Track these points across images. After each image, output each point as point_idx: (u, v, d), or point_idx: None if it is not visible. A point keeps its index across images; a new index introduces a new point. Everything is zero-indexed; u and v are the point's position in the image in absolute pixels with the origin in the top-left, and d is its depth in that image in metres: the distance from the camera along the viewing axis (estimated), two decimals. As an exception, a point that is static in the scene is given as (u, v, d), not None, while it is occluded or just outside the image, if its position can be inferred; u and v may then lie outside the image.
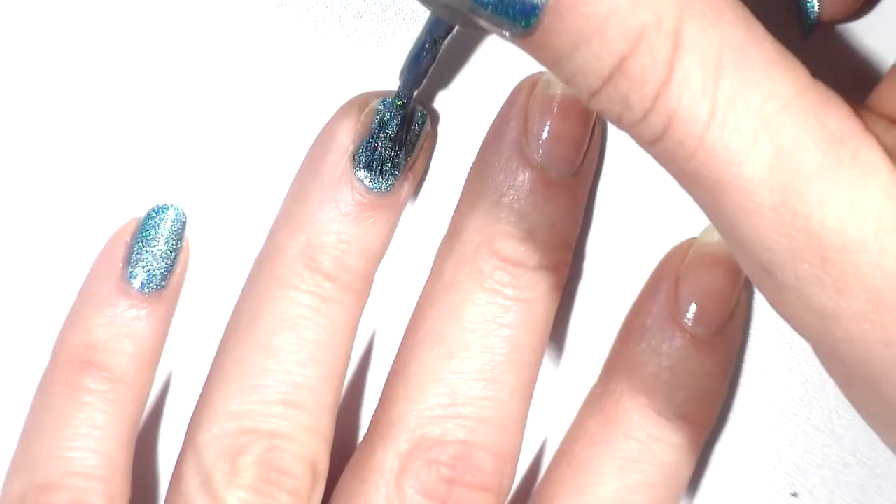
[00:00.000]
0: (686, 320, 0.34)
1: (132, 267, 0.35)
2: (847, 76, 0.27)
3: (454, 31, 0.33)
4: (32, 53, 0.36)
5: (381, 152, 0.34)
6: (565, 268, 0.35)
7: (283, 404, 0.34)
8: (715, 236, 0.35)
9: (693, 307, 0.34)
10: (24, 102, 0.36)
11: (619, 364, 0.35)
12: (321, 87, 0.35)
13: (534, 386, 0.35)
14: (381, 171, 0.34)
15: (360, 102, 0.35)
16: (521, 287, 0.34)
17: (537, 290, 0.34)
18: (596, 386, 0.36)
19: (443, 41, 0.32)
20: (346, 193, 0.34)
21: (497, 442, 0.34)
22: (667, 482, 0.35)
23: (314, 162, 0.35)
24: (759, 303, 0.36)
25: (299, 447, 0.34)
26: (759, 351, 0.36)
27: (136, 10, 0.36)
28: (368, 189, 0.34)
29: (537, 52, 0.27)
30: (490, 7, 0.26)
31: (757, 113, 0.26)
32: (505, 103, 0.35)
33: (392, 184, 0.34)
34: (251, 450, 0.34)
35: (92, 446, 0.34)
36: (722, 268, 0.35)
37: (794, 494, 0.36)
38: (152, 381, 0.36)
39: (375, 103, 0.34)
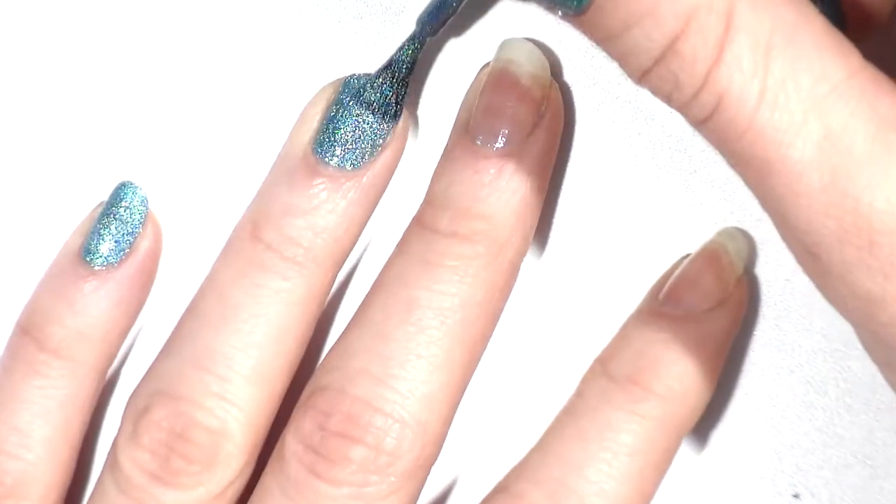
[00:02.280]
0: (658, 297, 0.35)
1: (88, 241, 0.35)
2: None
3: None
4: (18, 51, 0.36)
5: (358, 122, 0.34)
6: (488, 240, 0.33)
7: (194, 368, 0.34)
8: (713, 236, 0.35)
9: (665, 286, 0.35)
10: (11, 101, 0.36)
11: None
12: (320, 86, 0.35)
13: (452, 354, 0.34)
14: (351, 145, 0.34)
15: (334, 86, 0.34)
16: (435, 252, 0.33)
17: (451, 256, 0.33)
18: None
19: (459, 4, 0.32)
20: (300, 167, 0.34)
21: (379, 398, 0.33)
22: (602, 435, 0.34)
23: (284, 143, 0.35)
24: (759, 304, 0.36)
25: (203, 414, 0.33)
26: (760, 352, 0.36)
27: (135, 9, 0.36)
28: (324, 162, 0.34)
29: (588, 30, 0.27)
30: None
31: (807, 94, 0.26)
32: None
33: (356, 161, 0.34)
34: (156, 411, 0.34)
35: (4, 418, 0.34)
36: (701, 258, 0.35)
37: (796, 496, 0.36)
38: (101, 360, 0.35)
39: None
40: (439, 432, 0.34)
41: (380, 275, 0.35)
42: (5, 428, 0.35)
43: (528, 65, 0.34)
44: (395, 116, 0.34)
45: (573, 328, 0.36)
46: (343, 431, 0.33)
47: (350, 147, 0.34)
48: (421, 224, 0.34)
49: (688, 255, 0.35)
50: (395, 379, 0.33)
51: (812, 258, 0.27)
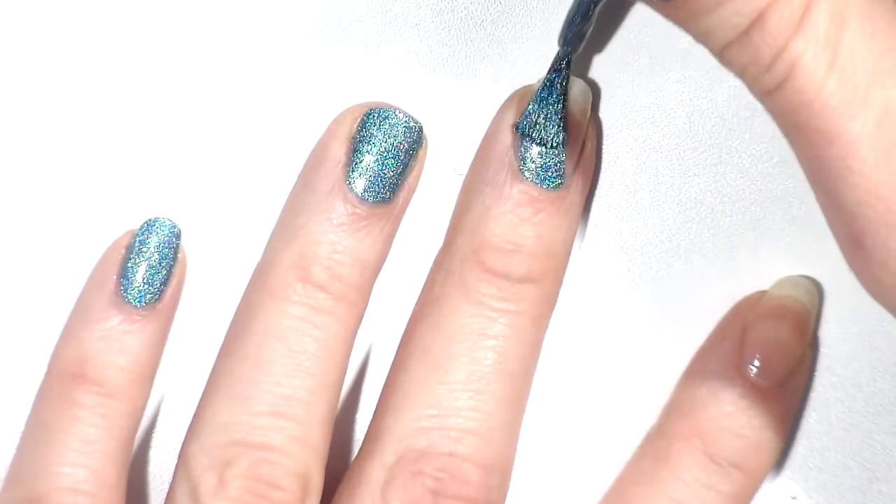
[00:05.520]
0: (749, 369, 0.34)
1: (125, 280, 0.35)
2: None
3: None
4: (32, 60, 0.36)
5: (539, 124, 0.33)
6: (554, 279, 0.35)
7: (272, 416, 0.34)
8: (786, 290, 0.35)
9: (757, 357, 0.34)
10: (22, 110, 0.36)
11: (677, 406, 0.35)
12: (321, 92, 0.35)
13: (525, 397, 0.35)
14: (385, 179, 0.34)
15: (352, 114, 0.35)
16: (506, 298, 0.34)
17: (524, 302, 0.34)
18: (653, 427, 0.36)
19: (595, 6, 0.32)
20: (339, 204, 0.34)
21: (483, 453, 0.34)
22: None
23: (308, 174, 0.35)
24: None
25: (289, 459, 0.34)
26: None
27: (133, 15, 0.36)
28: (362, 199, 0.34)
29: (674, 11, 0.27)
30: None
31: (873, 67, 0.26)
32: (494, 117, 0.35)
33: (390, 194, 0.34)
34: (239, 462, 0.34)
35: (81, 461, 0.34)
36: (790, 321, 0.34)
37: (794, 498, 0.36)
38: (147, 394, 0.36)
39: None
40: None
41: (447, 321, 0.34)
42: (81, 469, 0.35)
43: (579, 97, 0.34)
44: (563, 144, 0.34)
45: (576, 340, 0.36)
46: (457, 493, 0.34)
47: (384, 181, 0.34)
48: (486, 269, 0.34)
49: (764, 295, 0.35)
50: (494, 432, 0.34)
51: (856, 245, 0.27)
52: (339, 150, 0.34)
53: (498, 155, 0.34)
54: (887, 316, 0.34)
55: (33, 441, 0.35)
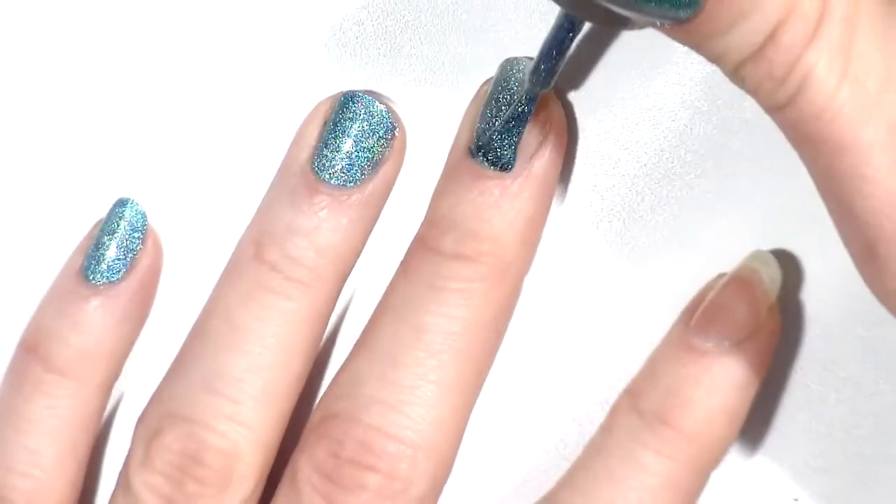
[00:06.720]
0: (688, 325, 0.34)
1: (88, 258, 0.35)
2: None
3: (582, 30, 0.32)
4: (31, 63, 0.36)
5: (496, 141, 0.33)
6: (493, 261, 0.34)
7: (205, 391, 0.34)
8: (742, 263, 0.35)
9: (696, 314, 0.34)
10: (21, 113, 0.36)
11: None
12: (321, 94, 0.35)
13: (461, 376, 0.34)
14: (351, 162, 0.34)
15: (332, 99, 0.35)
16: (441, 276, 0.34)
17: (457, 279, 0.34)
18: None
19: (572, 42, 0.31)
20: (300, 186, 0.34)
21: (392, 424, 0.33)
22: (630, 476, 0.34)
23: (285, 156, 0.35)
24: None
25: (216, 437, 0.33)
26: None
27: (136, 13, 0.36)
28: (321, 180, 0.34)
29: (688, 36, 0.26)
30: (654, 2, 0.25)
31: (885, 72, 0.26)
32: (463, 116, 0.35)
33: (355, 178, 0.34)
34: (166, 434, 0.34)
35: (14, 438, 0.35)
36: (733, 285, 0.34)
37: (796, 500, 0.36)
38: (106, 377, 0.35)
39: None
40: (450, 454, 0.34)
41: (385, 297, 0.35)
42: (16, 447, 0.35)
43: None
44: (510, 167, 0.33)
45: (579, 341, 0.36)
46: (357, 459, 0.33)
47: (349, 164, 0.34)
48: (425, 246, 0.34)
49: (722, 275, 0.35)
50: (406, 405, 0.33)
51: (869, 256, 0.27)
52: (312, 133, 0.34)
53: (461, 138, 0.34)
54: (888, 317, 0.34)
55: None
